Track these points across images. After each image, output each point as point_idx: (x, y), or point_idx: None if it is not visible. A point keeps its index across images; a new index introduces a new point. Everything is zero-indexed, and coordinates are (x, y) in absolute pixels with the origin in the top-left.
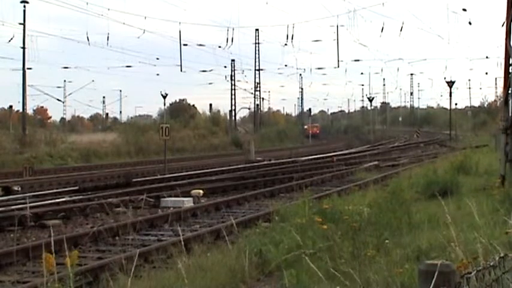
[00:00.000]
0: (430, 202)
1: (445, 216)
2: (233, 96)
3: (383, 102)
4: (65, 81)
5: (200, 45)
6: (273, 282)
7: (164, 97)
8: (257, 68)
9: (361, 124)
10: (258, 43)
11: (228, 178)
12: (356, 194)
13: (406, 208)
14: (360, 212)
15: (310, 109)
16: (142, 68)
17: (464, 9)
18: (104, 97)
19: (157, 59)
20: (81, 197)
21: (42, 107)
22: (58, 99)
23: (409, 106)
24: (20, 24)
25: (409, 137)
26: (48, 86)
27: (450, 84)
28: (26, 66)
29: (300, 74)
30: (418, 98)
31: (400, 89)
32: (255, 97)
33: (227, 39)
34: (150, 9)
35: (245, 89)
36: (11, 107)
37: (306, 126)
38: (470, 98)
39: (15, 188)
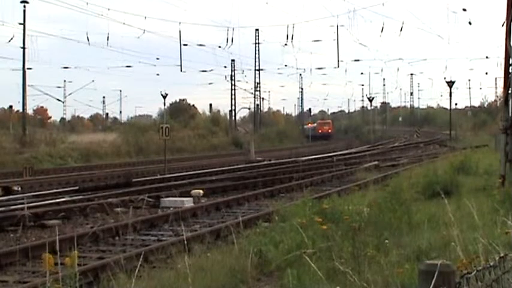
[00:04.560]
0: (430, 202)
1: (446, 216)
2: (233, 96)
3: (383, 102)
4: (65, 81)
5: (200, 45)
6: (273, 282)
7: (164, 97)
8: (257, 68)
9: (361, 124)
10: (258, 43)
11: (228, 178)
12: (356, 194)
13: (406, 208)
14: (360, 212)
15: (310, 109)
16: (142, 68)
17: (464, 9)
18: (104, 97)
19: (158, 59)
20: (81, 197)
21: (42, 107)
22: (58, 99)
23: (409, 106)
24: (20, 24)
25: (409, 137)
26: (48, 86)
27: (450, 84)
28: (26, 66)
29: (300, 74)
30: (418, 98)
31: (400, 89)
32: (255, 97)
33: (227, 39)
34: (150, 9)
35: (245, 89)
36: (11, 107)
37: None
38: (470, 98)
39: (15, 188)
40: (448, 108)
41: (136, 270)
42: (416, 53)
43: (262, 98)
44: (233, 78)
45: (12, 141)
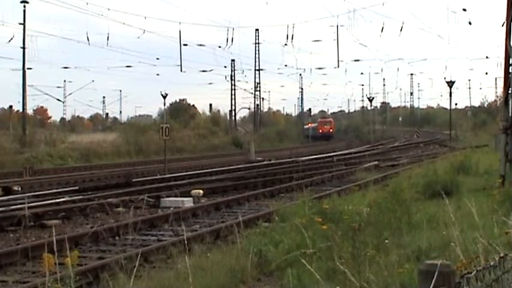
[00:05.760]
0: (430, 202)
1: (446, 216)
2: (233, 96)
3: (383, 102)
4: (65, 81)
5: (200, 45)
6: (273, 282)
7: (164, 97)
8: (257, 68)
9: (361, 124)
10: (258, 43)
11: (228, 178)
12: (356, 194)
13: (406, 208)
14: (360, 212)
15: (310, 109)
16: (142, 68)
17: (464, 9)
18: (104, 97)
19: (157, 59)
20: (81, 197)
21: (42, 107)
22: (58, 99)
23: (409, 106)
24: (20, 24)
25: (409, 137)
26: (48, 86)
27: (450, 84)
28: (26, 66)
29: (300, 74)
30: (418, 98)
31: (400, 89)
32: (255, 97)
33: (227, 39)
34: (150, 9)
35: (245, 89)
36: (11, 107)
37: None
38: (470, 98)
39: (15, 188)
40: (448, 108)
41: (134, 270)
42: (416, 53)
43: (262, 98)
44: (233, 78)
45: (12, 141)
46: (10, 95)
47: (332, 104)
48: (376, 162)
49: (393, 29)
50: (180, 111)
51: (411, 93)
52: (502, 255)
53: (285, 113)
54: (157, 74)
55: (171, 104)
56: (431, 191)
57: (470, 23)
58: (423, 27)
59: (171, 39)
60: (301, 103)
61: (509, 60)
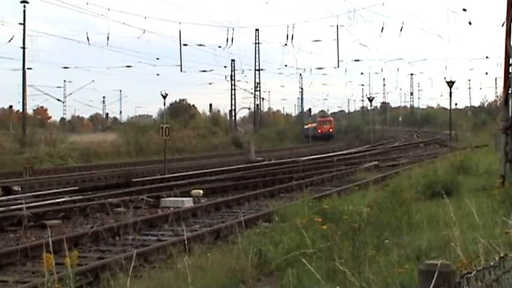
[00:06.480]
0: (430, 202)
1: (446, 216)
2: (233, 96)
3: (383, 102)
4: (65, 81)
5: (200, 45)
6: (273, 282)
7: (164, 97)
8: (257, 68)
9: (361, 124)
10: (258, 43)
11: (228, 178)
12: (356, 194)
13: (406, 208)
14: (360, 212)
15: (310, 109)
16: (142, 68)
17: (464, 9)
18: (104, 97)
19: (157, 59)
20: (81, 197)
21: (42, 107)
22: (58, 99)
23: (409, 106)
24: (20, 24)
25: (409, 137)
26: (48, 86)
27: (450, 84)
28: (26, 66)
29: (300, 74)
30: (418, 98)
31: (400, 89)
32: (255, 97)
33: (227, 39)
34: (150, 9)
35: (245, 89)
36: (11, 107)
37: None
38: (470, 98)
39: (15, 188)
40: (448, 108)
41: (130, 270)
42: (416, 53)
43: (262, 98)
44: (233, 78)
45: (12, 141)
46: (10, 95)
47: (332, 104)
48: (376, 162)
49: (393, 29)
50: (180, 111)
51: (411, 93)
52: (502, 255)
53: (285, 113)
54: (157, 74)
55: (171, 104)
56: (431, 191)
57: (470, 23)
58: (423, 27)
59: (171, 39)
60: (301, 103)
61: (509, 60)
